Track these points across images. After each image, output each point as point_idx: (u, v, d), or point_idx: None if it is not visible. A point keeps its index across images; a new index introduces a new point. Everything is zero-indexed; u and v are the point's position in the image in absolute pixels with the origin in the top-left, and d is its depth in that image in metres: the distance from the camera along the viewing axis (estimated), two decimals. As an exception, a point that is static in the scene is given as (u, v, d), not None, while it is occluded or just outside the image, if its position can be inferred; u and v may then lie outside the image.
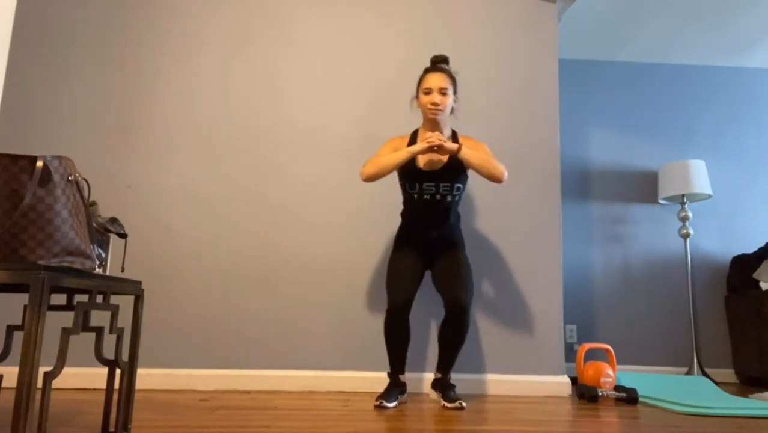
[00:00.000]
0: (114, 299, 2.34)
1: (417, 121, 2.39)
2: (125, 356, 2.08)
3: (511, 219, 2.75)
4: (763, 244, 3.61)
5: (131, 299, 2.43)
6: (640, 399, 2.45)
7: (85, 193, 1.23)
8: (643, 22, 3.47)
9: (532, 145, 2.82)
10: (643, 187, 3.76)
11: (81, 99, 2.68)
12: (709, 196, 3.56)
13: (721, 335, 3.59)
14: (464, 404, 2.08)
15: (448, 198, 2.26)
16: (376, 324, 2.59)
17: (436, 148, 2.14)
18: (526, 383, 2.57)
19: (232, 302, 2.56)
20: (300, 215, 2.67)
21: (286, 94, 2.77)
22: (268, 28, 2.82)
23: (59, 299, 2.11)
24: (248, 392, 2.41)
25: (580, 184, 3.75)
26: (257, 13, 2.83)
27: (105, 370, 2.33)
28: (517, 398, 2.45)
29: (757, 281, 3.28)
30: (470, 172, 2.33)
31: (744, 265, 3.45)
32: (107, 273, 1.43)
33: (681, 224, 3.65)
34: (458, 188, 2.27)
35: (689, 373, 3.36)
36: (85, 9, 2.76)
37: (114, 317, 1.32)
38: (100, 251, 1.38)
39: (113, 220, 1.46)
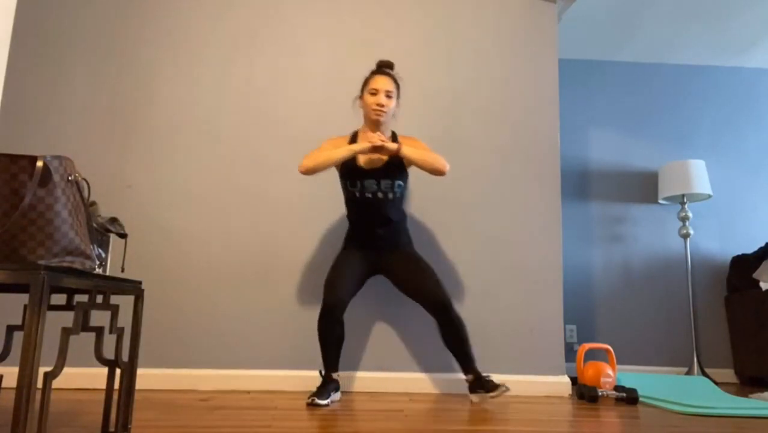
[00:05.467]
0: (114, 299, 2.34)
1: (359, 122, 2.45)
2: (125, 356, 2.07)
3: (511, 219, 2.74)
4: (763, 244, 3.61)
5: (131, 299, 2.43)
6: (640, 399, 2.45)
7: (85, 193, 1.23)
8: (643, 22, 3.47)
9: (532, 145, 2.82)
10: (643, 187, 3.77)
11: (81, 99, 2.68)
12: (709, 196, 3.56)
13: (721, 335, 3.59)
14: (507, 386, 2.15)
15: (390, 195, 2.30)
16: (377, 324, 2.59)
17: (379, 148, 2.18)
18: (526, 383, 2.57)
19: (233, 302, 2.56)
20: (301, 215, 2.67)
21: (287, 93, 2.77)
22: (268, 28, 2.82)
23: (59, 299, 2.11)
24: (248, 392, 2.41)
25: (580, 184, 3.75)
26: (258, 13, 2.83)
27: (105, 370, 2.33)
28: (517, 398, 2.45)
29: (757, 281, 3.28)
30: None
31: (744, 265, 3.45)
32: (107, 273, 1.43)
33: (681, 223, 3.65)
34: (399, 186, 2.31)
35: (689, 373, 3.36)
36: (85, 9, 2.76)
37: (114, 317, 1.32)
38: (100, 251, 1.38)
39: (113, 220, 1.46)
